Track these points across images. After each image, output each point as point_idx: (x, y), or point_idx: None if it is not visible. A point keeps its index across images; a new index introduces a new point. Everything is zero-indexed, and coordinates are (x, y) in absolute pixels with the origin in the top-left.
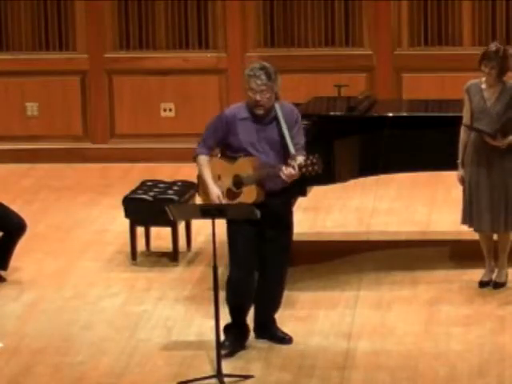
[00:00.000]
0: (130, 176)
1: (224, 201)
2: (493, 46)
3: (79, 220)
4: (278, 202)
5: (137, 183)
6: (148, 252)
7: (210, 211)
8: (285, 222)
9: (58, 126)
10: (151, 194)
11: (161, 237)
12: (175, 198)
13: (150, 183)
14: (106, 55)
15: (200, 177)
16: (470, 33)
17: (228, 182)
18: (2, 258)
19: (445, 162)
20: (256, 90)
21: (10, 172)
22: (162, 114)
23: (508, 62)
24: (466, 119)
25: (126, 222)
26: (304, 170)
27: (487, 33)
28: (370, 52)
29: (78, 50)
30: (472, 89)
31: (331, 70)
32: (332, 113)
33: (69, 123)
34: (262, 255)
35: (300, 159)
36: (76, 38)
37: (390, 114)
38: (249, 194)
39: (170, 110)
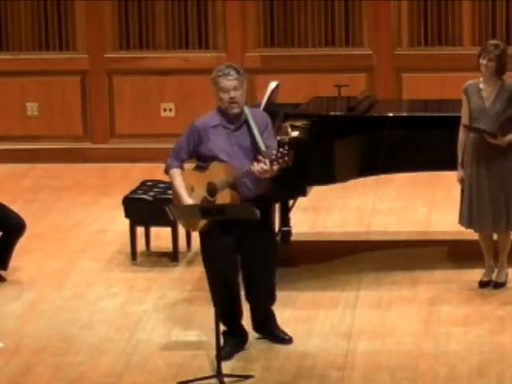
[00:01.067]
0: (130, 176)
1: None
2: (493, 40)
3: (79, 220)
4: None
5: (137, 183)
6: (148, 252)
7: (209, 211)
8: (263, 228)
9: (58, 126)
10: (151, 194)
11: (161, 237)
12: None
13: (149, 183)
14: (106, 55)
15: (173, 190)
16: (469, 33)
17: (202, 191)
18: (1, 257)
19: (445, 162)
20: (228, 87)
21: (10, 172)
22: (162, 113)
23: (507, 59)
24: (464, 120)
25: (126, 222)
26: (275, 163)
27: (487, 33)
28: (370, 52)
29: (78, 50)
30: (470, 89)
31: (331, 70)
32: (332, 113)
33: (69, 123)
34: (245, 257)
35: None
36: (76, 38)
37: (390, 114)
38: (223, 199)
39: (170, 109)
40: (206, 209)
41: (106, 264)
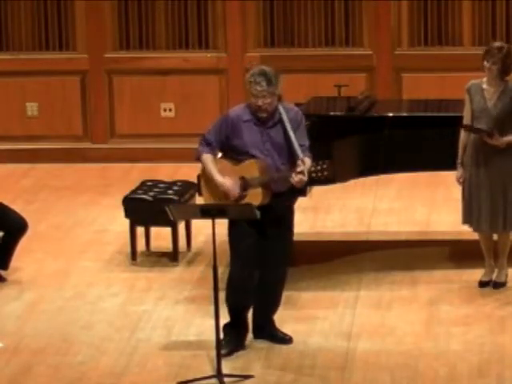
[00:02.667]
0: (130, 176)
1: (237, 191)
2: (497, 43)
3: (79, 220)
4: (282, 203)
5: (137, 183)
6: (148, 252)
7: (210, 211)
8: (287, 223)
9: (58, 126)
10: (151, 193)
11: (161, 237)
12: (175, 198)
13: (150, 183)
14: (106, 55)
15: (203, 177)
16: (470, 33)
17: (234, 183)
18: (2, 257)
19: (445, 162)
20: (257, 95)
21: (10, 172)
22: (162, 114)
23: (511, 60)
24: (466, 119)
25: (126, 222)
26: (314, 175)
27: (487, 33)
28: (370, 52)
29: (78, 50)
30: (473, 88)
31: (331, 70)
32: (332, 113)
33: (69, 123)
34: (263, 255)
35: (308, 163)
36: (76, 38)
37: (390, 114)
38: (255, 197)
39: (170, 110)
40: (206, 209)
41: (106, 264)
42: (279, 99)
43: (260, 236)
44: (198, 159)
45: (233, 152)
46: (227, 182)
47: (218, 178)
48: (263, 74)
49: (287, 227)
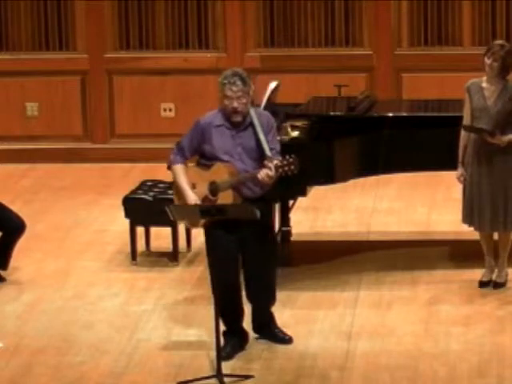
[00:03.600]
0: (130, 176)
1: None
2: (499, 41)
3: (79, 220)
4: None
5: (137, 183)
6: (148, 252)
7: (209, 211)
8: (263, 228)
9: (58, 126)
10: (151, 193)
11: (161, 237)
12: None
13: (150, 183)
14: (106, 55)
15: (176, 186)
16: (470, 33)
17: (204, 189)
18: (1, 257)
19: (445, 161)
20: (232, 96)
21: (10, 172)
22: (162, 114)
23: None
24: (465, 118)
25: (126, 222)
26: (281, 170)
27: (487, 33)
28: (370, 52)
29: (78, 50)
30: (472, 87)
31: (331, 70)
32: (332, 113)
33: (69, 123)
34: (246, 257)
35: (276, 160)
36: (76, 38)
37: (390, 114)
38: (225, 199)
39: (170, 109)
40: (205, 209)
41: (106, 264)
42: (252, 104)
43: (240, 243)
44: (169, 168)
45: (204, 158)
46: (191, 198)
47: (186, 191)
48: (237, 74)
49: (265, 233)
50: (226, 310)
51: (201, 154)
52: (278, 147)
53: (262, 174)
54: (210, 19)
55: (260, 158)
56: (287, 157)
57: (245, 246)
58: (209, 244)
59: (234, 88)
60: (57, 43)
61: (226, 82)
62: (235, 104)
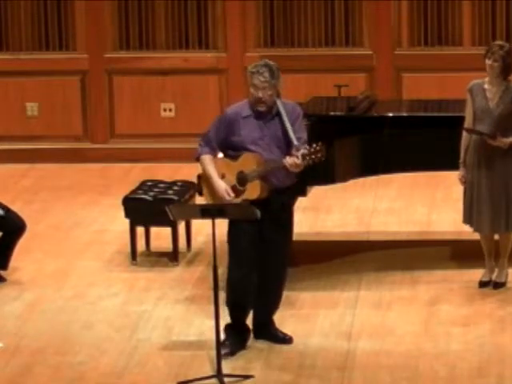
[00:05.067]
0: (130, 176)
1: (232, 195)
2: (499, 41)
3: (79, 220)
4: (281, 201)
5: (137, 183)
6: (148, 252)
7: (209, 211)
8: (286, 223)
9: (58, 125)
10: (151, 193)
11: (161, 237)
12: (175, 197)
13: (150, 183)
14: (106, 55)
15: (203, 177)
16: (469, 33)
17: (232, 179)
18: (2, 257)
19: (445, 162)
20: (258, 86)
21: (10, 172)
22: (162, 114)
23: None
24: (468, 120)
25: (126, 222)
26: (308, 158)
27: (487, 33)
28: (370, 52)
29: (78, 50)
30: (475, 89)
31: (331, 70)
32: (332, 113)
33: (69, 123)
34: (262, 255)
35: (303, 149)
36: (76, 38)
37: (390, 114)
38: (253, 190)
39: (170, 110)
40: (206, 209)
41: (106, 264)
42: (278, 95)
43: (259, 236)
44: (198, 159)
45: (231, 149)
46: (222, 186)
47: (215, 180)
48: (266, 65)
49: (286, 227)
50: (239, 304)
51: (229, 146)
52: (305, 136)
53: (290, 162)
54: (210, 19)
55: (287, 148)
56: (314, 145)
57: (266, 238)
58: (231, 233)
59: (262, 78)
60: (57, 43)
61: (254, 70)
62: (260, 94)
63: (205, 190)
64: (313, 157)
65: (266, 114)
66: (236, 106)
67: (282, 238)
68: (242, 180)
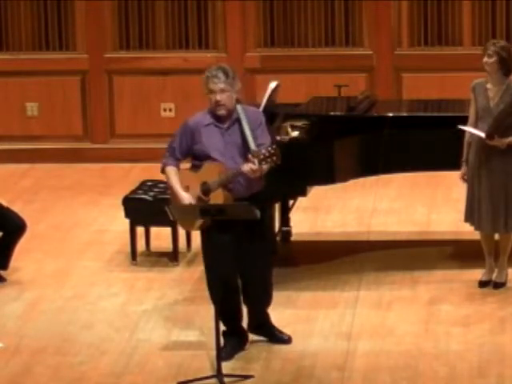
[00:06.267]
0: (130, 176)
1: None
2: (494, 40)
3: (79, 220)
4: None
5: (137, 183)
6: (148, 252)
7: (209, 211)
8: (259, 228)
9: (58, 126)
10: (151, 193)
11: (161, 237)
12: None
13: (150, 183)
14: (106, 55)
15: (170, 189)
16: (469, 33)
17: (196, 190)
18: (2, 257)
19: (445, 162)
20: (215, 90)
21: (10, 172)
22: (162, 113)
23: (510, 57)
24: (471, 119)
25: (126, 222)
26: (263, 162)
27: (487, 33)
28: (370, 52)
29: (78, 50)
30: (477, 87)
31: (331, 70)
32: (332, 113)
33: (69, 123)
34: (240, 261)
35: (258, 153)
36: (76, 38)
37: (390, 114)
38: (216, 199)
39: (170, 110)
40: (205, 209)
41: (105, 264)
42: (237, 101)
43: (234, 241)
44: (163, 171)
45: (196, 159)
46: (185, 199)
47: (180, 192)
48: (220, 68)
49: (261, 233)
50: (225, 310)
51: (193, 156)
52: (268, 142)
53: (246, 168)
54: (210, 19)
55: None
56: (269, 148)
57: (240, 245)
58: (205, 245)
59: (216, 80)
60: (57, 43)
61: (208, 75)
62: (218, 97)
63: (172, 202)
64: (268, 160)
65: (225, 120)
66: (197, 115)
67: (259, 244)
68: (206, 190)
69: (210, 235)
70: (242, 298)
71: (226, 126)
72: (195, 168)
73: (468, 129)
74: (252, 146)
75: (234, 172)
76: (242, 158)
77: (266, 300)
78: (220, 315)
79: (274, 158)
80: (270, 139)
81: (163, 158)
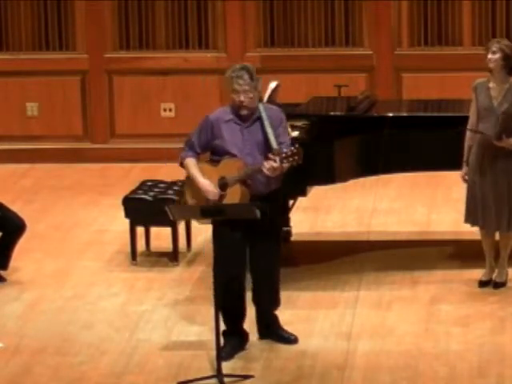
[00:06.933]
0: (130, 176)
1: (217, 190)
2: (496, 38)
3: (79, 220)
4: (265, 206)
5: (137, 183)
6: (148, 252)
7: (209, 211)
8: (271, 226)
9: (58, 126)
10: (151, 193)
11: (161, 237)
12: (175, 197)
13: (150, 183)
14: (106, 55)
15: (187, 181)
16: (469, 33)
17: (214, 184)
18: (2, 257)
19: (445, 162)
20: (239, 90)
21: (10, 172)
22: (162, 113)
23: None
24: (471, 118)
25: (126, 222)
26: (285, 161)
27: (487, 33)
28: (370, 52)
29: (78, 50)
30: (479, 87)
31: (331, 70)
32: (332, 113)
33: (69, 123)
34: (251, 259)
35: (280, 152)
36: (76, 38)
37: (390, 114)
38: (233, 195)
39: (170, 110)
40: (206, 209)
41: (106, 264)
42: (260, 100)
43: (246, 239)
44: (182, 164)
45: (214, 153)
46: (207, 183)
47: (200, 179)
48: (245, 68)
49: (272, 231)
50: (229, 309)
51: (212, 150)
52: (288, 141)
53: (267, 165)
54: (210, 19)
55: (269, 152)
56: (292, 147)
57: (253, 243)
58: (216, 241)
59: (241, 81)
60: (57, 43)
61: (233, 75)
62: (242, 98)
63: (188, 194)
64: (290, 159)
65: (247, 118)
66: (218, 110)
67: (270, 242)
68: (223, 185)
69: (221, 231)
70: (246, 298)
71: (247, 123)
72: (214, 162)
73: (478, 131)
74: (274, 144)
75: (254, 168)
76: (261, 155)
77: (275, 301)
78: (223, 314)
79: (296, 157)
80: (289, 138)
81: (181, 153)
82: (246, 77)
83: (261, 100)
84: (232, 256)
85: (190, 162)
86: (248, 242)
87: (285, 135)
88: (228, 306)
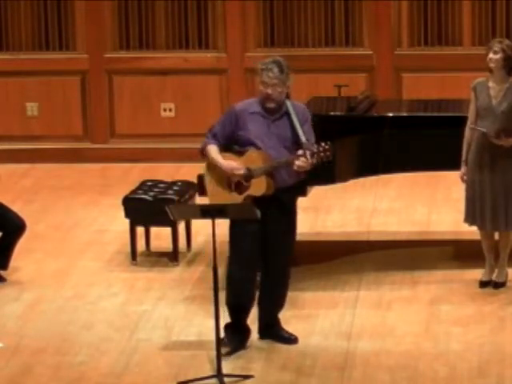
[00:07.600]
0: (130, 176)
1: (241, 170)
2: (498, 38)
3: (79, 220)
4: (286, 199)
5: (137, 183)
6: (148, 252)
7: (210, 211)
8: (289, 222)
9: (58, 126)
10: (151, 193)
11: (161, 237)
12: (175, 197)
13: (150, 183)
14: (106, 55)
15: (207, 167)
16: (469, 33)
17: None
18: (2, 257)
19: (445, 161)
20: (268, 83)
21: (10, 172)
22: (162, 113)
23: None
24: (470, 117)
25: (126, 222)
26: (316, 156)
27: (487, 33)
28: (370, 52)
29: (78, 50)
30: (478, 86)
31: (331, 70)
32: (332, 113)
33: (69, 123)
34: (265, 255)
35: (312, 148)
36: (76, 38)
37: (390, 114)
38: (258, 186)
39: (170, 110)
40: (206, 209)
41: (106, 264)
42: (287, 96)
43: (262, 236)
44: (203, 151)
45: (238, 144)
46: (230, 161)
47: (222, 162)
48: (276, 62)
49: (289, 227)
50: (238, 300)
51: (235, 141)
52: (312, 139)
53: (298, 162)
54: (210, 19)
55: (293, 147)
56: (323, 144)
57: (270, 234)
58: (232, 232)
59: (271, 74)
60: (57, 43)
61: (263, 67)
62: (269, 90)
63: (208, 182)
64: (321, 155)
65: (273, 112)
66: (245, 102)
67: (286, 236)
68: (248, 176)
69: (238, 223)
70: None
71: (273, 117)
72: (237, 153)
73: (479, 128)
74: (303, 139)
75: (281, 161)
76: (285, 150)
77: (281, 301)
78: (231, 305)
79: (328, 153)
80: (314, 137)
81: (204, 140)
82: (276, 70)
83: (288, 97)
84: (249, 252)
85: (212, 147)
86: (264, 233)
87: (310, 133)
88: (238, 296)
